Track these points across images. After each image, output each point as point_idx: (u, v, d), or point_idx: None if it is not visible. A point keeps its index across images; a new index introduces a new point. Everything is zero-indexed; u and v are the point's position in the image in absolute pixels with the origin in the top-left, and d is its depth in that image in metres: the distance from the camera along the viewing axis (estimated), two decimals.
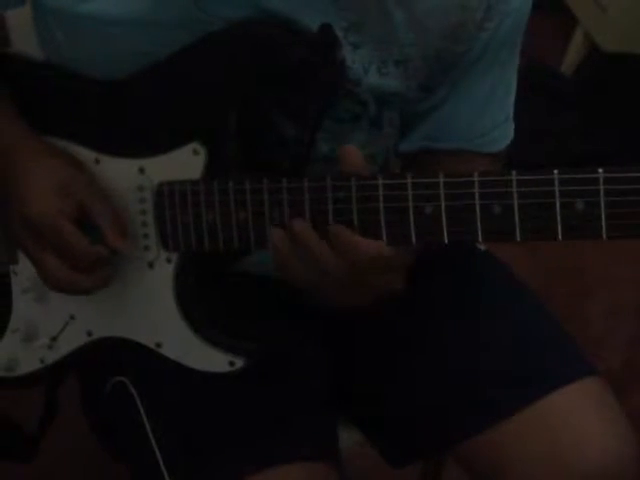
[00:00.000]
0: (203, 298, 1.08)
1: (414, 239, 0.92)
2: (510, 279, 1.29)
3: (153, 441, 1.13)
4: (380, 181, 0.93)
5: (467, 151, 1.20)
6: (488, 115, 1.20)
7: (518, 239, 0.87)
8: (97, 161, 1.08)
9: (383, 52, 1.06)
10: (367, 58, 1.06)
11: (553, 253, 2.29)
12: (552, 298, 1.34)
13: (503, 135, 1.23)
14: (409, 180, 0.91)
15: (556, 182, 0.85)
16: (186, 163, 1.03)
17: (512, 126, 1.24)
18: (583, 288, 2.41)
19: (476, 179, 0.88)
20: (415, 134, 1.20)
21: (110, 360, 1.18)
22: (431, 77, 1.12)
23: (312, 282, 0.98)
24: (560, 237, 0.85)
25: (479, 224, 0.88)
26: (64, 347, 1.16)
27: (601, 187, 0.83)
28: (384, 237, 0.93)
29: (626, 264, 2.40)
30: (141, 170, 1.06)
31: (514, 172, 0.87)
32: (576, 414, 1.16)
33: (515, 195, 0.86)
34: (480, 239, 0.89)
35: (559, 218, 0.85)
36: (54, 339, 1.15)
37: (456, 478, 1.37)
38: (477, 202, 0.88)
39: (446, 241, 0.91)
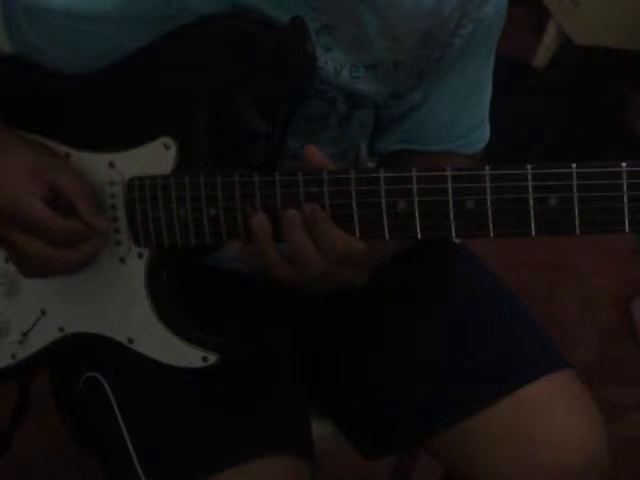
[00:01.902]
0: (175, 293, 1.07)
1: (387, 234, 0.92)
2: (482, 272, 1.30)
3: (126, 436, 1.12)
4: (352, 175, 0.92)
5: (445, 152, 1.20)
6: (464, 118, 1.20)
7: (491, 235, 0.87)
8: (67, 155, 1.07)
9: (354, 56, 1.06)
10: (339, 60, 1.06)
11: (526, 246, 2.30)
12: (525, 291, 1.34)
13: (479, 137, 1.23)
14: (382, 174, 0.91)
15: (529, 177, 0.84)
16: (157, 158, 1.02)
17: (488, 127, 1.24)
18: (556, 281, 2.42)
19: (449, 174, 0.87)
20: (392, 136, 1.20)
21: (82, 355, 1.17)
22: (402, 83, 1.11)
23: (286, 274, 0.98)
24: (533, 233, 0.85)
25: (452, 220, 0.88)
26: (36, 343, 1.15)
27: (574, 182, 0.82)
28: (357, 232, 0.93)
29: (598, 257, 2.41)
30: (111, 165, 1.05)
31: (487, 167, 0.86)
32: (549, 407, 1.16)
33: (488, 190, 0.86)
34: (453, 235, 0.89)
35: (532, 214, 0.85)
36: (25, 335, 1.14)
37: (429, 470, 1.38)
38: (450, 198, 0.88)
39: (419, 237, 0.90)
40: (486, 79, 1.20)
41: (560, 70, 3.06)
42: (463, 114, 1.19)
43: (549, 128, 2.80)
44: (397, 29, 1.05)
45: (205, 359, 1.06)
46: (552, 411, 1.16)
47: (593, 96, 2.92)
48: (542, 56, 3.10)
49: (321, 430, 1.27)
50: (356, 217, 0.93)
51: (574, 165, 0.83)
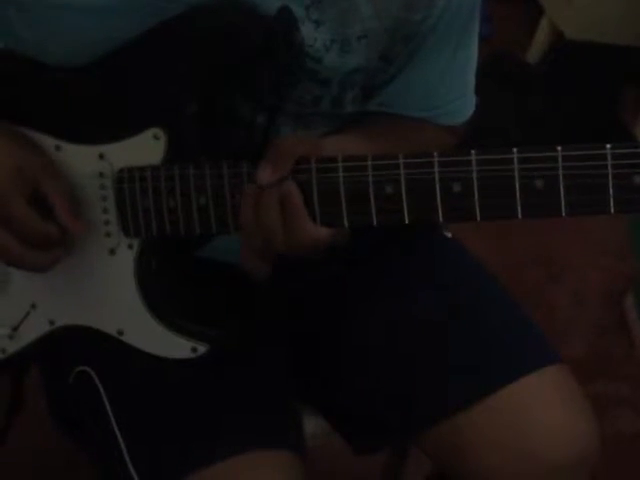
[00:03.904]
0: (165, 284, 1.08)
1: (375, 220, 0.92)
2: (474, 266, 1.30)
3: (117, 430, 1.12)
4: (340, 163, 0.93)
5: (420, 119, 1.20)
6: (444, 89, 1.20)
7: (478, 218, 0.88)
8: (57, 148, 1.07)
9: (345, 28, 1.06)
10: (329, 36, 1.06)
11: (518, 241, 2.30)
12: (517, 286, 1.34)
13: (460, 109, 1.23)
14: (369, 162, 0.91)
15: (515, 161, 0.85)
16: (147, 148, 1.03)
17: (472, 102, 1.24)
18: (548, 276, 2.43)
19: (436, 159, 0.88)
20: (370, 103, 1.20)
21: (73, 349, 1.18)
22: (391, 48, 1.11)
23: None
24: (520, 215, 0.86)
25: (439, 204, 0.89)
26: (26, 337, 1.15)
27: (559, 164, 0.83)
28: (345, 218, 0.94)
29: (592, 252, 2.42)
30: (101, 156, 1.05)
31: (473, 152, 0.87)
32: (540, 402, 1.16)
33: (475, 174, 0.87)
34: (440, 219, 0.89)
35: (518, 196, 0.85)
36: (15, 329, 1.14)
37: (420, 466, 1.38)
38: (437, 182, 0.88)
39: (407, 221, 0.91)
40: (470, 51, 1.21)
41: (553, 65, 3.06)
42: (444, 84, 1.19)
43: (541, 123, 2.80)
44: None
45: (195, 350, 1.06)
46: (543, 406, 1.16)
47: (585, 91, 2.93)
48: (535, 51, 3.11)
49: (313, 426, 1.28)
50: (344, 204, 0.93)
51: (559, 148, 0.84)
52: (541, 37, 3.11)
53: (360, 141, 1.02)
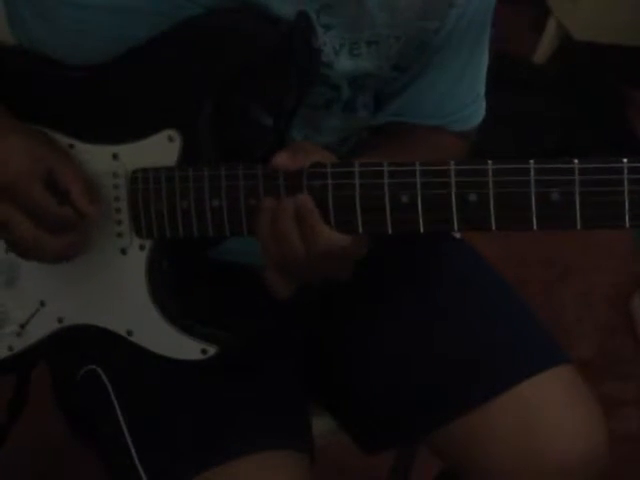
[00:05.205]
0: (176, 285, 1.08)
1: (390, 228, 0.93)
2: (482, 267, 1.30)
3: (125, 430, 1.12)
4: (357, 169, 0.93)
5: (436, 127, 1.20)
6: (457, 95, 1.20)
7: (493, 228, 0.88)
8: (71, 146, 1.07)
9: (355, 33, 1.06)
10: (338, 40, 1.06)
11: (526, 241, 2.30)
12: (524, 286, 1.34)
13: (473, 114, 1.24)
14: (385, 168, 0.91)
15: (532, 172, 0.85)
16: (161, 150, 1.03)
17: (483, 105, 1.25)
18: (555, 276, 2.43)
19: (452, 167, 0.89)
20: (384, 111, 1.20)
21: (81, 348, 1.17)
22: (404, 57, 1.12)
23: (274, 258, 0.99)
24: (535, 227, 0.86)
25: (455, 213, 0.89)
26: (34, 334, 1.14)
27: (576, 177, 0.84)
28: (359, 225, 0.94)
29: (598, 254, 2.42)
30: (115, 156, 1.05)
31: (490, 162, 0.87)
32: (548, 402, 1.17)
33: (491, 184, 0.87)
34: (456, 228, 0.90)
35: (534, 208, 0.86)
36: (23, 326, 1.14)
37: (428, 465, 1.38)
38: (453, 191, 0.89)
39: (422, 230, 0.91)
40: (481, 57, 1.21)
41: (560, 66, 3.06)
42: (457, 91, 1.20)
43: (548, 125, 2.81)
44: (396, 1, 1.06)
45: (204, 351, 1.06)
46: (553, 406, 1.17)
47: (592, 92, 2.93)
48: (542, 52, 3.11)
49: (321, 426, 1.28)
50: (359, 210, 0.93)
51: (576, 161, 0.84)
52: (548, 38, 3.11)
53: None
